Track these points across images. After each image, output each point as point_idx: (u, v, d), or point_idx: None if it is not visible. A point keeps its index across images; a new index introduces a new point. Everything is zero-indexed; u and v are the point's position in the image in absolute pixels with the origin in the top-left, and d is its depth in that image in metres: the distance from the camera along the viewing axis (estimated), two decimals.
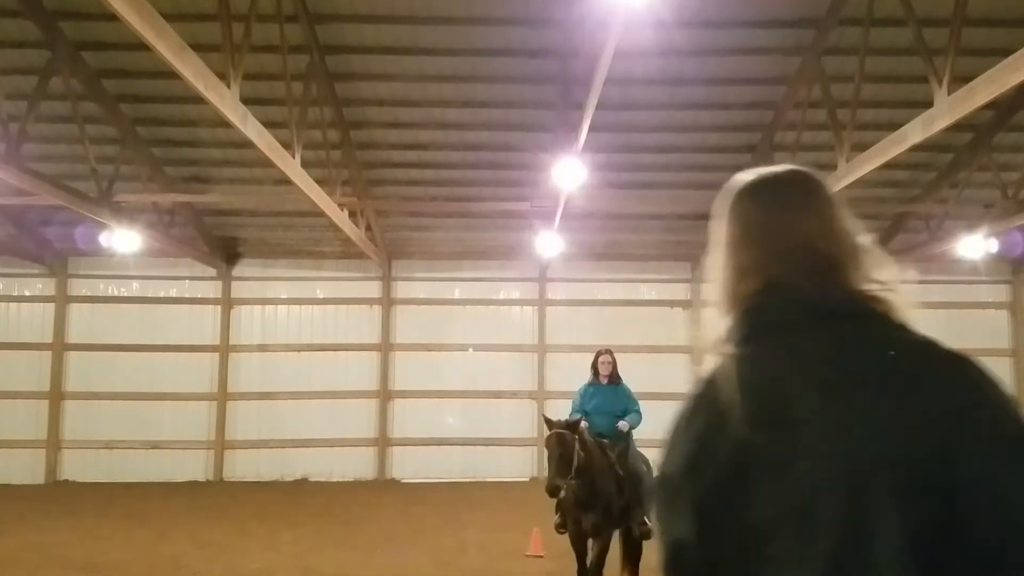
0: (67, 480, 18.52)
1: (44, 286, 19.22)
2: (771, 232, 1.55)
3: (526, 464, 18.74)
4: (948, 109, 8.47)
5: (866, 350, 1.42)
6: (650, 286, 19.69)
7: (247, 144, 10.20)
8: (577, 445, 7.91)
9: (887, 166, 11.02)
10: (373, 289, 19.58)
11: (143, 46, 7.18)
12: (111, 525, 13.46)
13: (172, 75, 8.03)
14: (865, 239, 1.56)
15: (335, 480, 18.65)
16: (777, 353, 1.44)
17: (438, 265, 19.53)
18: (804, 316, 1.46)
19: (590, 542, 8.47)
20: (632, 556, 8.79)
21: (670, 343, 19.23)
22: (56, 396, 18.79)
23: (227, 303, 19.32)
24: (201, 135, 14.82)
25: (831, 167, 11.73)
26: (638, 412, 8.86)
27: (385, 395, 19.23)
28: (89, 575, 10.43)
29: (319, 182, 12.70)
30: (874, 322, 1.47)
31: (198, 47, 7.96)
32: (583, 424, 8.56)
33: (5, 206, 15.43)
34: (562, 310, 19.55)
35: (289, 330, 19.37)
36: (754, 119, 14.60)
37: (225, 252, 19.15)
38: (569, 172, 11.61)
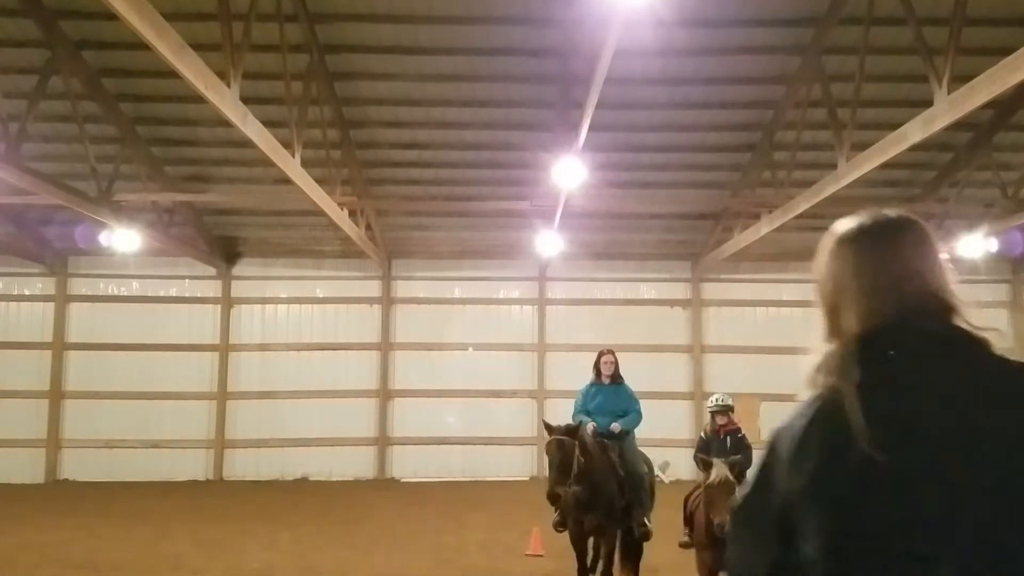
0: (67, 479, 18.53)
1: (44, 285, 19.23)
2: (886, 270, 1.70)
3: (526, 463, 18.75)
4: (948, 108, 8.46)
5: (980, 375, 1.59)
6: (650, 285, 19.69)
7: (247, 143, 10.20)
8: (577, 451, 7.87)
9: (887, 165, 11.00)
10: (373, 288, 19.59)
11: (143, 45, 7.18)
12: (111, 524, 13.45)
13: (172, 74, 8.03)
14: (957, 276, 1.73)
15: (335, 479, 18.65)
16: (899, 380, 1.58)
17: (438, 264, 19.54)
18: (922, 346, 1.61)
19: (590, 542, 8.47)
20: (632, 556, 8.78)
21: (670, 342, 19.27)
22: (56, 395, 18.79)
23: (227, 302, 19.32)
24: (201, 134, 14.81)
25: (831, 166, 11.74)
26: (638, 412, 8.86)
27: (385, 394, 19.23)
28: (89, 574, 10.43)
29: (319, 181, 12.71)
30: (981, 351, 1.63)
31: (198, 46, 7.96)
32: (591, 426, 8.56)
33: (5, 205, 15.43)
34: (562, 309, 19.55)
35: (289, 329, 19.37)
36: (754, 118, 14.60)
37: (225, 251, 19.16)
38: (569, 171, 11.61)
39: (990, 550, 1.44)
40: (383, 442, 19.13)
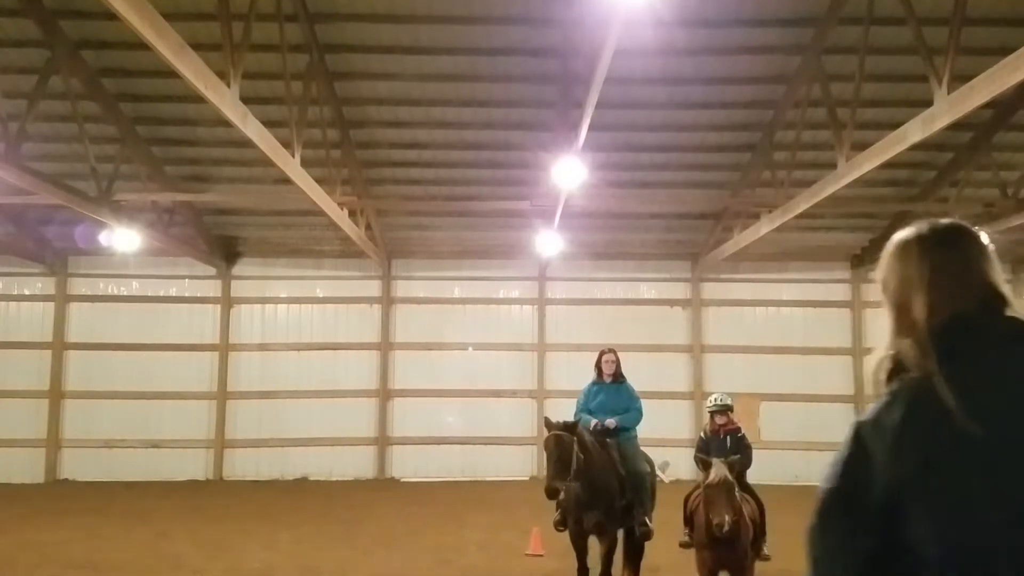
0: (67, 479, 18.54)
1: (44, 285, 19.23)
2: (953, 268, 1.87)
3: (526, 463, 18.75)
4: (948, 108, 8.46)
5: None
6: (650, 285, 19.69)
7: (247, 143, 10.20)
8: (576, 446, 7.88)
9: (887, 165, 11.00)
10: (373, 288, 19.59)
11: (143, 45, 7.18)
12: (111, 524, 13.45)
13: (172, 74, 8.03)
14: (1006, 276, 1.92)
15: (335, 479, 18.65)
16: (979, 364, 1.75)
17: (438, 264, 19.54)
18: (994, 340, 1.79)
19: (590, 541, 8.47)
20: (633, 556, 8.78)
21: (670, 342, 19.27)
22: (56, 395, 18.80)
23: (227, 302, 19.33)
24: (201, 134, 14.81)
25: (831, 166, 11.73)
26: (638, 410, 8.87)
27: (385, 394, 19.23)
28: (89, 574, 10.43)
29: (319, 181, 12.71)
30: None
31: (198, 46, 7.96)
32: (592, 423, 8.56)
33: (5, 205, 15.43)
34: (562, 309, 19.55)
35: (289, 329, 19.38)
36: (754, 118, 14.59)
37: (225, 251, 19.16)
38: (569, 171, 11.60)
39: None
40: (383, 442, 19.13)
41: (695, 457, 8.31)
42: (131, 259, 17.25)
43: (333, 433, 18.94)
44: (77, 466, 18.63)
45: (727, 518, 7.11)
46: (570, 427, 8.05)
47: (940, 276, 1.85)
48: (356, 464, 18.97)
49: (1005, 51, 7.63)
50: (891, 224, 18.03)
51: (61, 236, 17.95)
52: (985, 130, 14.20)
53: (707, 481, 7.46)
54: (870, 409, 1.83)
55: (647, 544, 8.79)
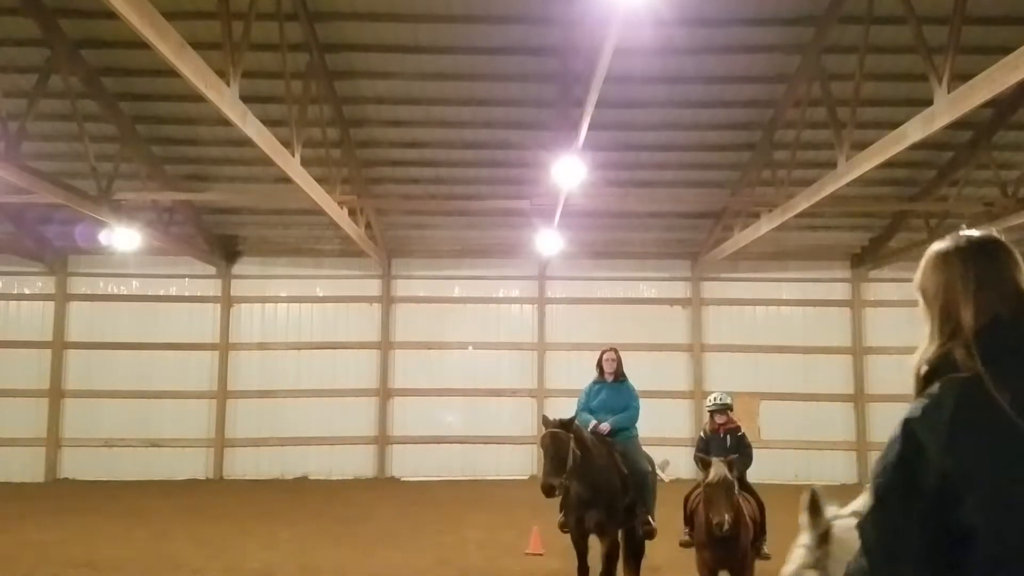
0: (67, 478, 18.54)
1: (44, 284, 19.23)
2: (993, 280, 2.01)
3: (525, 462, 18.75)
4: (948, 107, 8.45)
5: None
6: (650, 284, 19.69)
7: (247, 142, 10.21)
8: (572, 444, 7.86)
9: (887, 164, 10.99)
10: (373, 287, 19.59)
11: (143, 44, 7.18)
12: (110, 523, 13.45)
13: (172, 73, 8.04)
14: None
15: (335, 478, 18.66)
16: (1020, 369, 1.87)
17: (438, 263, 19.54)
18: None
19: (591, 540, 8.46)
20: (634, 556, 8.77)
21: (670, 341, 19.27)
22: (56, 394, 18.80)
23: (227, 301, 19.32)
24: (201, 133, 14.81)
25: (831, 165, 11.73)
26: (635, 408, 8.87)
27: (385, 393, 19.23)
28: (88, 573, 10.42)
29: (319, 180, 12.70)
30: None
31: (198, 45, 7.96)
32: (592, 423, 8.55)
33: (5, 204, 15.43)
34: (562, 308, 19.55)
35: (289, 328, 19.38)
36: (754, 117, 14.59)
37: (225, 250, 19.16)
38: (569, 170, 11.60)
39: None
40: (383, 441, 19.14)
41: (695, 456, 8.30)
42: (131, 258, 17.24)
43: (333, 432, 18.94)
44: (77, 465, 18.63)
45: (727, 517, 7.11)
46: (566, 424, 8.04)
47: (982, 284, 2.00)
48: (356, 463, 18.98)
49: (1005, 50, 7.62)
50: (891, 223, 18.05)
51: (61, 235, 17.96)
52: (985, 129, 14.20)
53: (707, 480, 7.46)
54: (915, 406, 1.94)
55: (647, 544, 8.79)
